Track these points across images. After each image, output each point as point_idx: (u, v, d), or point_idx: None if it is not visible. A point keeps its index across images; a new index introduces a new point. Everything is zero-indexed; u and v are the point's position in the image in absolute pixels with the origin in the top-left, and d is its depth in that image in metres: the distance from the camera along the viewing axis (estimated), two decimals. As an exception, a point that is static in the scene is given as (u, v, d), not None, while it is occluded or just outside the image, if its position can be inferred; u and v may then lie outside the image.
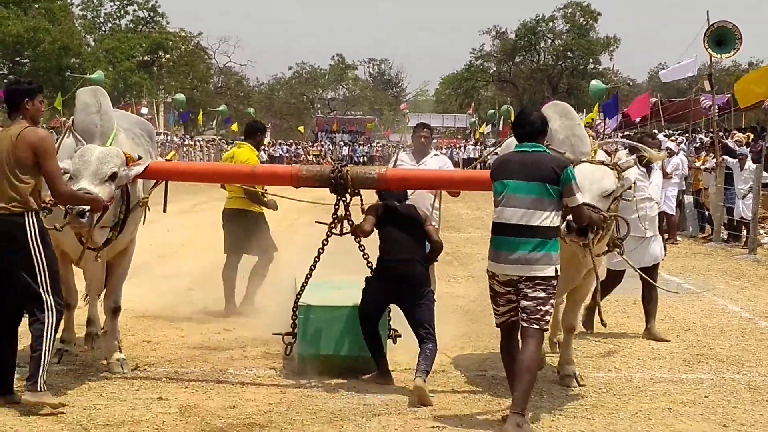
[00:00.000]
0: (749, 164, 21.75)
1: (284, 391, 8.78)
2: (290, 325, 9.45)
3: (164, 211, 9.70)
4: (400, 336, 9.49)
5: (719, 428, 7.86)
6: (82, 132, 8.82)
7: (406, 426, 7.73)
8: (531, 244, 7.72)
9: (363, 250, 9.59)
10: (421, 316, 8.94)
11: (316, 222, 9.87)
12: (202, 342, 10.81)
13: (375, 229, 9.26)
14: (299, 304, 9.35)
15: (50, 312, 7.89)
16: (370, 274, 9.29)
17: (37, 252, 7.84)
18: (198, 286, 13.13)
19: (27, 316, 7.99)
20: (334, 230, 9.45)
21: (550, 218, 7.75)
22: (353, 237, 9.46)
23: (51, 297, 7.91)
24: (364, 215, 9.35)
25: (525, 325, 7.81)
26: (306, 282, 9.42)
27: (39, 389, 7.71)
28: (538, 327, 7.79)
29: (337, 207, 9.44)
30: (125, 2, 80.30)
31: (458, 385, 9.20)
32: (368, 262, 9.50)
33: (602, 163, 8.86)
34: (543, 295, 7.77)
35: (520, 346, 7.96)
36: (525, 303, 7.79)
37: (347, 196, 9.37)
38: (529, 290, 7.77)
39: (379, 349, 9.11)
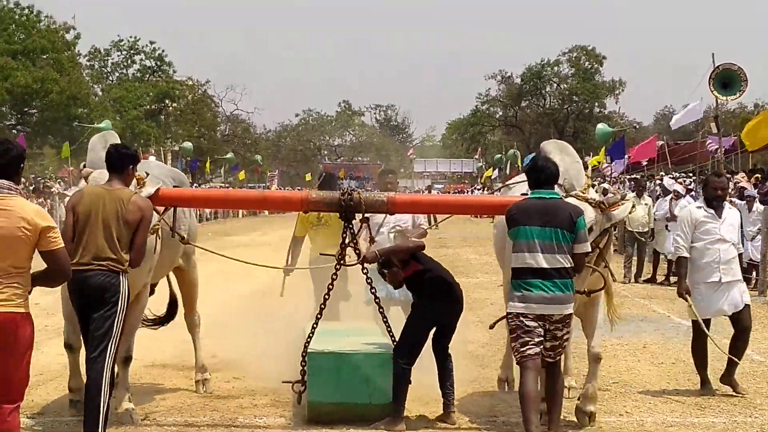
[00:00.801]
0: (757, 206, 21.72)
1: (295, 440, 8.75)
2: (300, 372, 9.46)
3: (172, 236, 9.62)
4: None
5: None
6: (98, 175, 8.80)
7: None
8: (558, 286, 8.34)
9: (370, 283, 9.66)
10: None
11: (321, 254, 9.93)
12: (211, 390, 10.80)
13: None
14: (308, 351, 9.35)
15: (111, 359, 8.12)
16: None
17: (122, 309, 8.11)
18: (208, 333, 13.10)
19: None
20: (341, 261, 9.64)
21: (568, 260, 8.38)
22: (361, 266, 9.64)
23: (115, 345, 8.16)
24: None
25: (551, 360, 8.55)
26: (314, 327, 9.44)
27: None
28: (559, 359, 8.67)
29: (344, 235, 9.57)
30: (132, 52, 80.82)
31: (469, 431, 9.14)
32: (375, 297, 9.70)
33: (586, 200, 9.09)
34: (567, 331, 8.58)
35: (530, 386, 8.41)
36: (554, 343, 8.49)
37: (354, 222, 9.56)
38: (558, 331, 8.45)
39: (405, 391, 9.20)
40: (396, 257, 9.55)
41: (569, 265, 8.36)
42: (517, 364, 8.77)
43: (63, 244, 6.89)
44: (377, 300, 9.77)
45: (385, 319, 9.81)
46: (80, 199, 8.23)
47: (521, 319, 8.39)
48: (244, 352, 12.06)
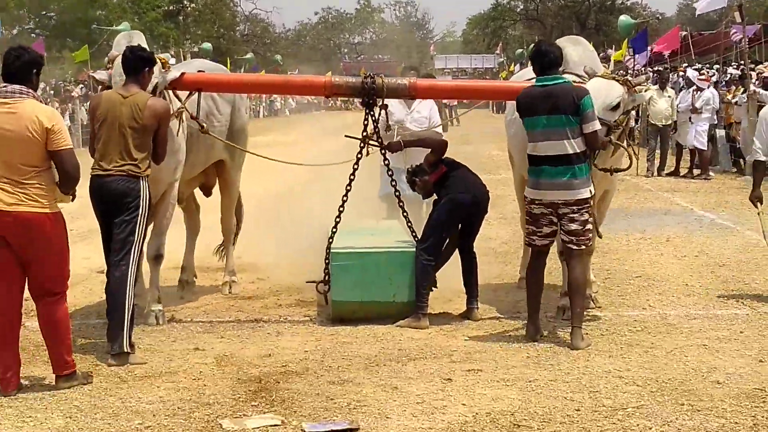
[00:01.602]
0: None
1: (319, 338, 8.82)
2: (323, 271, 9.50)
3: (197, 117, 9.57)
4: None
5: (755, 363, 7.82)
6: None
7: (442, 369, 7.75)
8: (569, 172, 8.41)
9: (391, 175, 9.73)
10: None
11: (346, 136, 9.95)
12: (236, 291, 10.89)
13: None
14: (331, 250, 9.38)
15: (134, 265, 8.19)
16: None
17: (143, 214, 8.15)
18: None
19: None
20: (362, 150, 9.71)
21: (577, 143, 8.41)
22: (383, 153, 9.80)
23: (138, 249, 8.23)
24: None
25: (573, 247, 8.61)
26: (336, 226, 9.46)
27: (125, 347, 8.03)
28: (584, 247, 8.66)
29: (366, 122, 9.62)
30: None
31: (492, 327, 9.20)
32: (396, 191, 9.80)
33: (613, 78, 9.30)
34: (586, 217, 8.56)
35: (542, 272, 8.90)
36: (573, 227, 8.54)
37: (376, 109, 9.57)
38: (575, 215, 8.50)
39: (428, 288, 9.33)
40: (428, 157, 9.64)
41: (579, 150, 8.40)
42: (528, 244, 9.08)
43: (68, 146, 7.11)
44: (398, 193, 9.79)
45: (405, 214, 9.85)
46: (98, 104, 8.25)
47: (531, 206, 8.65)
48: (268, 253, 12.11)
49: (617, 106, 8.99)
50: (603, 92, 8.92)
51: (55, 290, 7.28)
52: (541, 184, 8.53)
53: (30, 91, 7.14)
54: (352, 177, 9.73)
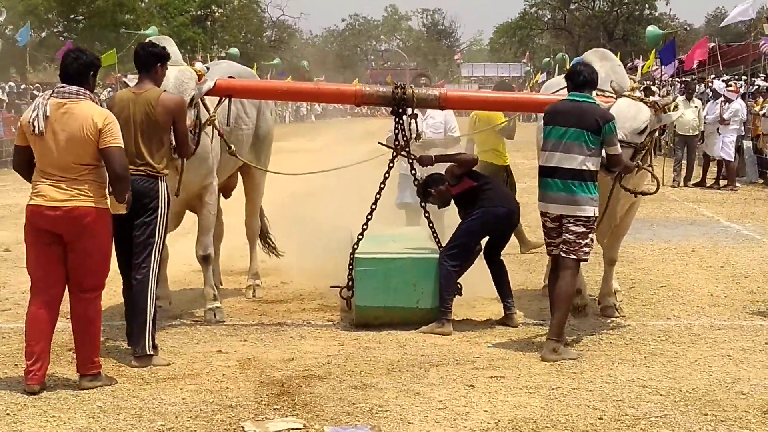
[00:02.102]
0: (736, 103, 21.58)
1: (342, 342, 8.82)
2: (347, 277, 9.52)
3: (228, 124, 9.66)
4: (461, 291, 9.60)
5: (780, 375, 7.81)
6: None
7: (465, 376, 7.75)
8: (576, 187, 8.46)
9: (417, 186, 9.78)
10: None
11: (379, 143, 10.00)
12: (260, 295, 10.89)
13: None
14: (356, 255, 9.39)
15: (155, 263, 8.16)
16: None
17: (162, 216, 8.15)
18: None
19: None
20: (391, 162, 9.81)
21: (589, 162, 8.45)
22: (410, 168, 9.87)
23: (158, 251, 8.19)
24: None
25: (564, 255, 8.62)
26: (363, 232, 9.49)
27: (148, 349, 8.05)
28: (575, 258, 8.58)
29: (397, 132, 9.66)
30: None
31: (515, 334, 9.19)
32: (422, 202, 9.86)
33: (641, 99, 9.23)
34: (582, 230, 8.53)
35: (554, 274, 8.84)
36: (566, 236, 8.58)
37: (405, 118, 9.60)
38: (570, 225, 8.53)
39: (452, 294, 9.32)
40: (453, 170, 9.63)
41: (592, 169, 8.46)
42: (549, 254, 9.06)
43: (117, 144, 7.19)
44: (423, 204, 9.83)
45: (431, 224, 9.86)
46: (113, 105, 8.25)
47: (543, 219, 8.81)
48: (292, 257, 12.13)
49: (644, 130, 9.07)
50: (631, 115, 9.01)
51: (93, 286, 7.38)
52: (548, 197, 8.65)
53: (87, 92, 7.31)
54: (382, 186, 9.82)
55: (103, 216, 7.29)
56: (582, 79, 8.70)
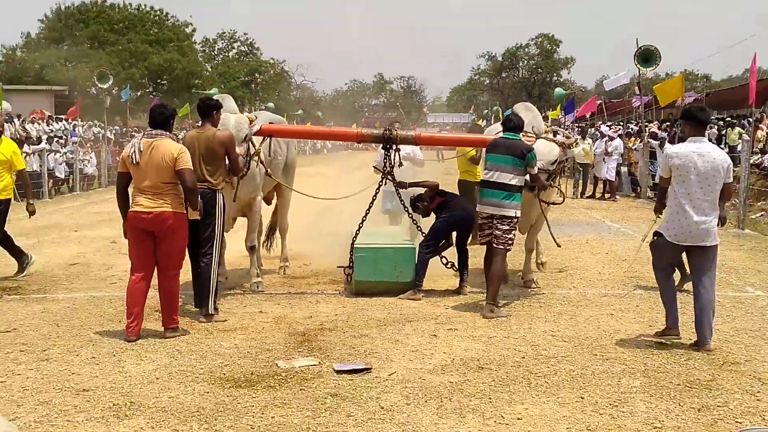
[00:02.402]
0: (667, 145, 21.65)
1: (345, 305, 8.81)
2: (349, 260, 9.53)
3: (269, 155, 9.72)
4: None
5: (647, 327, 7.80)
6: (224, 120, 8.78)
7: (430, 328, 7.76)
8: (504, 195, 8.55)
9: (402, 201, 9.95)
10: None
11: (373, 167, 10.12)
12: (288, 273, 10.88)
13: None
14: (356, 246, 9.39)
15: (216, 255, 8.20)
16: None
17: (220, 218, 8.17)
18: (288, 233, 13.11)
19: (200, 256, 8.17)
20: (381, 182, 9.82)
21: (515, 180, 8.56)
22: (396, 188, 9.87)
23: (218, 247, 8.25)
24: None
25: (495, 246, 8.63)
26: (359, 229, 9.53)
27: (211, 310, 8.10)
28: (503, 248, 8.63)
29: (386, 161, 9.71)
30: (232, 41, 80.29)
31: (465, 300, 9.20)
32: (406, 208, 9.96)
33: (554, 140, 9.49)
34: (507, 227, 8.61)
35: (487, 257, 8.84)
36: (497, 232, 8.63)
37: (392, 151, 9.67)
38: (499, 223, 8.59)
39: (424, 273, 9.36)
40: (426, 193, 9.81)
41: (516, 184, 8.55)
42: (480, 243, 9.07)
43: (188, 167, 7.28)
44: (406, 209, 9.98)
45: (417, 224, 10.14)
46: (185, 141, 8.29)
47: (480, 217, 8.80)
48: (311, 247, 12.12)
49: (555, 161, 9.31)
50: (546, 151, 9.19)
51: (175, 267, 7.47)
52: (485, 201, 8.66)
53: (166, 133, 7.45)
54: (374, 198, 9.89)
55: (180, 218, 7.38)
56: (512, 124, 8.87)
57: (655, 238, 7.28)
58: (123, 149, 8.03)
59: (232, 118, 8.92)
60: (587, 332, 7.67)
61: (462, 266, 9.66)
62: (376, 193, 9.93)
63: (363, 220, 9.68)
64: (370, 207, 9.78)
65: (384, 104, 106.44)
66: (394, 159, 9.71)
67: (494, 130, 10.21)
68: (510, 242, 8.68)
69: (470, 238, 9.77)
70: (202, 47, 77.31)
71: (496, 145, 8.79)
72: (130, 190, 7.45)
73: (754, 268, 11.43)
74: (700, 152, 7.01)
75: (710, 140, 22.63)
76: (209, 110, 8.36)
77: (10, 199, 10.50)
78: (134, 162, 7.26)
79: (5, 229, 10.45)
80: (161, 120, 7.48)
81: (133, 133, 33.02)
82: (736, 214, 16.51)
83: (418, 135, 10.12)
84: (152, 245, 7.35)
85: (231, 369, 6.45)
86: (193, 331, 7.61)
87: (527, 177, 8.66)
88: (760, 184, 19.86)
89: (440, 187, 9.90)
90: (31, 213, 10.83)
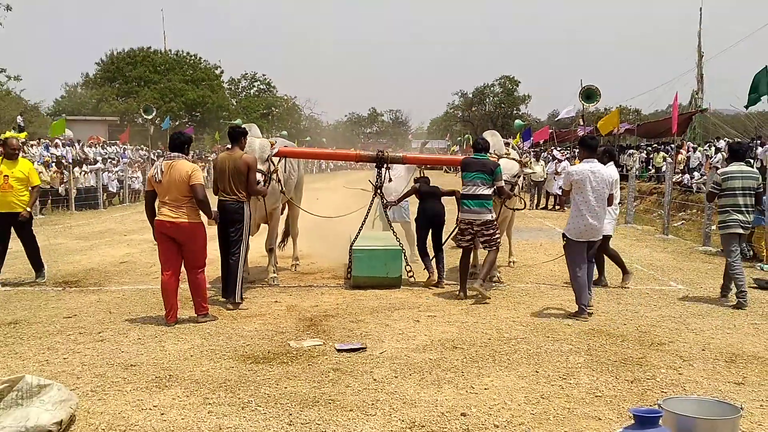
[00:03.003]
0: (566, 165, 21.83)
1: (345, 296, 8.78)
2: (348, 260, 9.50)
3: (284, 172, 9.69)
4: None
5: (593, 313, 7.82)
6: (250, 143, 8.75)
7: (414, 315, 7.74)
8: (480, 204, 8.60)
9: (386, 211, 9.94)
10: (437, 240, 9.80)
11: (370, 181, 10.07)
12: (299, 269, 10.83)
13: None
14: (353, 248, 9.37)
15: (244, 256, 8.14)
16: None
17: (246, 225, 8.08)
18: (299, 239, 13.06)
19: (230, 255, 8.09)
20: (375, 198, 9.83)
21: (488, 190, 8.64)
22: (384, 204, 9.89)
23: (246, 249, 8.17)
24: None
25: (488, 247, 8.70)
26: (358, 235, 9.50)
27: (238, 299, 8.05)
28: (495, 247, 8.73)
29: (378, 177, 9.68)
30: (253, 80, 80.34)
31: (443, 292, 9.18)
32: (388, 220, 10.00)
33: (514, 159, 9.80)
34: (492, 230, 8.65)
35: (468, 261, 8.93)
36: (485, 237, 8.63)
37: (383, 170, 9.66)
38: (485, 230, 8.61)
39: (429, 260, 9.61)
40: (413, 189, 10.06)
41: (489, 193, 8.64)
42: (458, 246, 9.07)
43: (199, 182, 7.22)
44: (389, 220, 9.98)
45: (393, 232, 10.06)
46: (217, 161, 8.27)
47: (463, 225, 8.76)
48: (317, 248, 12.10)
49: (516, 174, 9.51)
50: (509, 168, 9.37)
51: (198, 266, 7.37)
52: (467, 211, 8.64)
53: (182, 155, 7.37)
54: (368, 210, 9.90)
55: (196, 227, 7.28)
56: (480, 146, 8.94)
57: (564, 240, 7.90)
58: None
59: (257, 142, 8.88)
60: (541, 318, 7.67)
61: (439, 263, 9.64)
62: (371, 206, 9.92)
63: (360, 229, 9.64)
64: (365, 218, 9.78)
65: (376, 132, 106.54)
66: (385, 176, 9.69)
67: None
68: (498, 241, 8.77)
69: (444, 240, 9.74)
70: (229, 85, 77.17)
71: (469, 163, 8.79)
72: (156, 203, 7.37)
73: (676, 266, 11.47)
74: (592, 170, 7.72)
75: (639, 162, 22.80)
76: (238, 136, 8.31)
77: (30, 211, 10.03)
78: (157, 180, 7.22)
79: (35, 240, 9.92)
80: (178, 144, 7.41)
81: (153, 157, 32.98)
82: (661, 223, 16.59)
83: (405, 156, 10.17)
84: (176, 248, 7.26)
85: (252, 348, 6.42)
86: (221, 317, 7.57)
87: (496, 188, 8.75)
88: (681, 198, 19.95)
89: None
90: (23, 218, 9.68)
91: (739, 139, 25.66)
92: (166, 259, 7.31)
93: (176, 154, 7.36)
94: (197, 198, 7.20)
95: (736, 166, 8.69)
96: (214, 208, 7.66)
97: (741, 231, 8.57)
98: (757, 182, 8.67)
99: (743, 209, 8.56)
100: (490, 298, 8.48)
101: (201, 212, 7.32)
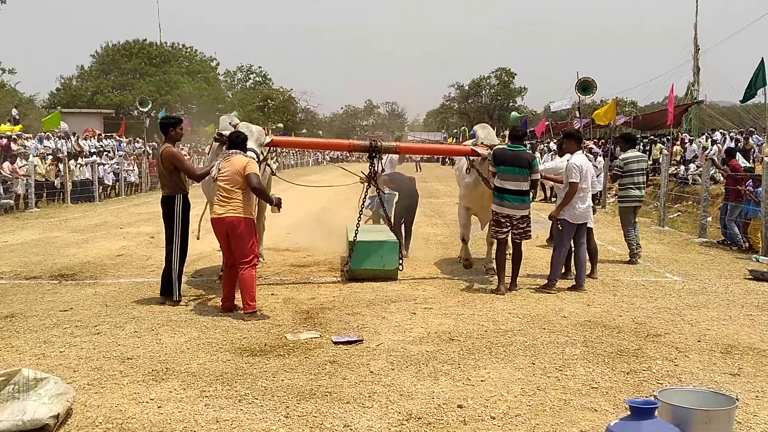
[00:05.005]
0: (600, 159, 21.73)
1: (342, 289, 8.77)
2: (347, 252, 9.49)
3: (276, 166, 9.71)
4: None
5: (586, 306, 7.83)
6: (248, 128, 8.57)
7: (409, 307, 7.74)
8: (523, 199, 8.54)
9: (381, 200, 9.99)
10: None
11: (362, 173, 10.05)
12: (295, 262, 10.81)
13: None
14: (350, 240, 9.36)
15: (177, 252, 7.84)
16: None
17: (178, 217, 7.82)
18: (293, 230, 13.08)
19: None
20: (368, 187, 9.72)
21: (527, 184, 8.53)
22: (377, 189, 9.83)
23: (179, 244, 7.85)
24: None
25: (517, 239, 8.66)
26: (357, 228, 9.43)
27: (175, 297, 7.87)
28: (527, 239, 8.72)
29: (372, 167, 9.53)
30: (248, 72, 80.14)
31: (436, 284, 9.19)
32: (386, 213, 9.77)
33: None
34: (527, 223, 8.62)
35: (502, 251, 8.75)
36: (519, 230, 8.60)
37: (376, 159, 9.51)
38: (521, 223, 8.57)
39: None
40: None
41: (528, 188, 8.55)
42: (492, 238, 8.94)
43: (253, 172, 7.29)
44: (384, 211, 10.06)
45: (388, 219, 10.12)
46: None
47: (498, 216, 8.60)
48: (315, 241, 12.10)
49: None
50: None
51: (247, 261, 7.27)
52: (507, 206, 8.51)
53: (239, 151, 7.50)
54: (363, 202, 9.90)
55: (242, 221, 7.27)
56: (518, 134, 8.88)
57: (559, 225, 8.62)
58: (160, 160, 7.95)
59: (254, 128, 8.78)
60: (537, 310, 7.68)
61: (407, 242, 10.50)
62: (365, 197, 9.89)
63: (358, 222, 9.53)
64: (361, 211, 9.73)
65: (373, 125, 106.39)
66: (378, 167, 9.59)
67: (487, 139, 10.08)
68: (529, 232, 8.68)
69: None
70: (225, 78, 77.07)
71: (505, 155, 8.54)
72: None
73: (672, 258, 11.49)
74: (586, 161, 8.73)
75: (640, 152, 23.34)
76: (165, 127, 7.99)
77: None
78: (215, 178, 7.46)
79: None
80: (238, 142, 7.56)
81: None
82: (657, 214, 16.59)
83: (398, 145, 10.00)
84: (228, 241, 7.38)
85: (248, 341, 6.42)
86: (216, 310, 7.57)
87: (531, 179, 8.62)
88: (677, 190, 19.97)
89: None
90: None
91: (709, 131, 26.18)
92: (223, 251, 7.61)
93: (233, 150, 7.49)
94: (251, 186, 7.27)
95: (632, 153, 10.85)
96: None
97: (637, 204, 10.82)
98: (647, 164, 10.84)
99: (640, 186, 10.74)
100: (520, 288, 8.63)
101: (256, 204, 7.46)
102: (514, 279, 8.66)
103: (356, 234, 9.35)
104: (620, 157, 10.90)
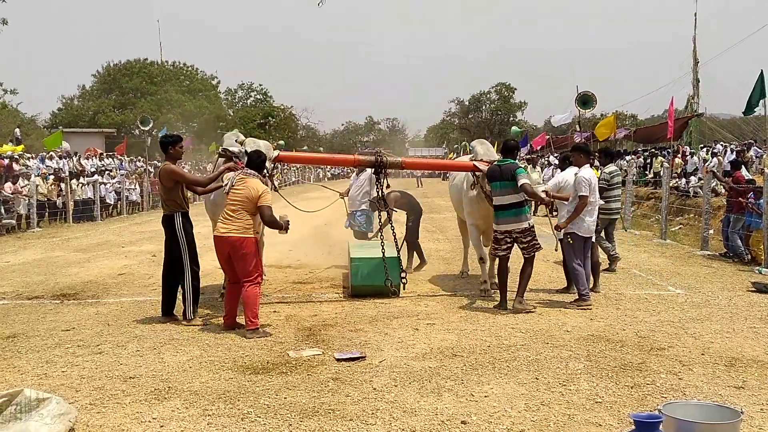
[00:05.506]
0: (601, 169, 21.80)
1: (344, 305, 8.77)
2: (349, 270, 9.49)
3: (276, 184, 9.71)
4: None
5: (589, 320, 7.81)
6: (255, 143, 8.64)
7: (412, 323, 7.73)
8: (517, 212, 8.35)
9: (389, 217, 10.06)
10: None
11: (373, 195, 10.02)
12: (297, 279, 10.81)
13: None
14: (352, 257, 9.35)
15: (188, 271, 7.77)
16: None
17: (182, 235, 7.78)
18: (295, 247, 13.08)
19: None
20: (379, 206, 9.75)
21: (521, 196, 8.31)
22: (384, 205, 9.81)
23: (188, 263, 7.79)
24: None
25: (526, 255, 8.44)
26: (382, 243, 9.35)
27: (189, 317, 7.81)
28: (534, 253, 8.45)
29: (378, 184, 9.43)
30: (249, 90, 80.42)
31: (438, 299, 9.17)
32: (390, 224, 10.00)
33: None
34: (530, 237, 8.38)
35: (503, 268, 8.60)
36: (524, 244, 8.38)
37: (381, 175, 9.44)
38: (523, 237, 8.36)
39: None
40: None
41: (521, 199, 8.34)
42: (492, 255, 8.97)
43: (266, 204, 7.24)
44: (391, 225, 10.13)
45: (388, 235, 9.96)
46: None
47: (497, 233, 8.50)
48: (317, 258, 12.10)
49: None
50: None
51: (250, 279, 7.25)
52: (503, 222, 8.42)
53: (256, 173, 7.46)
54: (381, 222, 9.97)
55: (244, 240, 7.23)
56: (509, 147, 8.71)
57: (569, 239, 8.64)
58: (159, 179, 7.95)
59: (262, 142, 8.84)
60: (540, 325, 7.66)
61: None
62: (380, 220, 9.83)
63: (380, 236, 9.55)
64: (381, 228, 9.73)
65: (373, 141, 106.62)
66: (384, 184, 9.48)
67: (465, 159, 10.18)
68: (536, 247, 8.40)
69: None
70: (226, 96, 77.36)
71: (495, 171, 8.50)
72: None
73: (674, 270, 11.47)
74: (593, 174, 8.76)
75: (637, 167, 22.98)
76: (165, 145, 8.00)
77: None
78: (226, 192, 7.39)
79: None
80: (258, 163, 7.54)
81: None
82: (659, 227, 16.59)
83: (404, 160, 9.90)
84: (229, 262, 7.36)
85: (251, 358, 6.41)
86: (218, 328, 7.56)
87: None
88: (678, 203, 19.97)
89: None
90: None
91: (694, 147, 26.32)
92: (224, 270, 7.56)
93: (251, 171, 7.45)
94: (263, 219, 7.26)
95: (614, 166, 11.31)
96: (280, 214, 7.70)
97: (616, 215, 11.46)
98: (621, 178, 11.65)
99: (618, 199, 11.34)
100: (535, 309, 8.38)
101: (258, 227, 7.35)
102: (519, 291, 8.49)
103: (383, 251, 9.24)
104: (605, 171, 11.15)
